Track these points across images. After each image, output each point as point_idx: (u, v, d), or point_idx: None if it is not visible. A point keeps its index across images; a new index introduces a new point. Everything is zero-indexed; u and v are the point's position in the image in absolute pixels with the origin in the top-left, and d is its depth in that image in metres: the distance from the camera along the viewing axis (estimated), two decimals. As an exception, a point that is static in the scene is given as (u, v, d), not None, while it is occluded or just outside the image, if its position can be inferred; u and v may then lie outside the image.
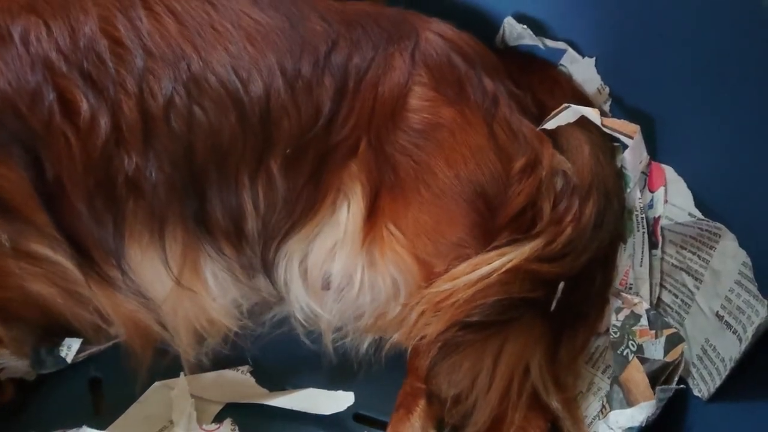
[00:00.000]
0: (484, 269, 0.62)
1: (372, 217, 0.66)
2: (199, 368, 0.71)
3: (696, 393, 0.61)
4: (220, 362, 0.71)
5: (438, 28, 0.68)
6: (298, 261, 0.68)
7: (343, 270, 0.68)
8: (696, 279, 0.64)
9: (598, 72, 0.76)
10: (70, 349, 0.68)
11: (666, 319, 0.66)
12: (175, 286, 0.64)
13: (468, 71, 0.67)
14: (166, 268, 0.64)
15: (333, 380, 0.71)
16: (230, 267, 0.66)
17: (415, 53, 0.65)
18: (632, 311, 0.67)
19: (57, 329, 0.68)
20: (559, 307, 0.64)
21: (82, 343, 0.68)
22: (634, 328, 0.66)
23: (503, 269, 0.62)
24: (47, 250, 0.62)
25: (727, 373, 0.58)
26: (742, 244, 0.59)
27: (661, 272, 0.69)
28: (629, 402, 0.62)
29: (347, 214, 0.66)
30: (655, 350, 0.64)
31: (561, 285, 0.63)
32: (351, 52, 0.64)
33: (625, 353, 0.66)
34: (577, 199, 0.66)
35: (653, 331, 0.65)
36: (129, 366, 0.68)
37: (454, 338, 0.62)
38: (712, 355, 0.60)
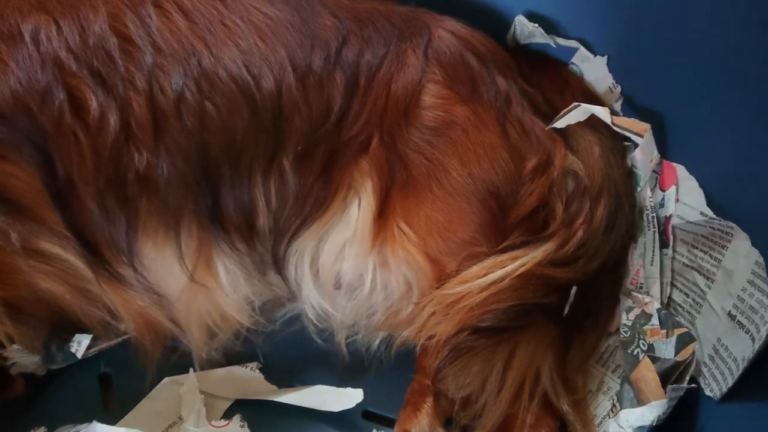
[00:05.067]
0: (497, 273, 0.62)
1: (383, 215, 0.66)
2: (210, 364, 0.71)
3: (708, 393, 0.61)
4: (231, 358, 0.72)
5: (450, 26, 0.68)
6: (309, 259, 0.68)
7: (354, 269, 0.68)
8: (708, 278, 0.64)
9: (610, 71, 0.76)
10: (81, 344, 0.68)
11: (677, 318, 0.66)
12: (189, 281, 0.64)
13: (481, 70, 0.67)
14: (181, 264, 0.64)
15: (342, 377, 0.72)
16: (243, 262, 0.66)
17: (428, 51, 0.65)
18: (643, 311, 0.67)
19: (67, 326, 0.68)
20: (571, 310, 0.64)
21: (92, 339, 0.69)
22: (644, 327, 0.66)
23: (516, 273, 0.62)
24: (57, 248, 0.62)
25: (739, 372, 0.57)
26: (754, 243, 0.59)
27: (672, 271, 0.68)
28: (640, 401, 0.62)
29: (357, 211, 0.66)
30: (666, 349, 0.64)
31: (574, 290, 0.63)
32: (362, 48, 0.64)
33: (635, 352, 0.65)
34: (588, 200, 0.66)
35: (664, 331, 0.65)
36: (139, 362, 0.68)
37: (465, 342, 0.62)
38: (724, 354, 0.60)
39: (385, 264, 0.67)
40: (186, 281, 0.65)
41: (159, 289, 0.65)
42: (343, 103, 0.63)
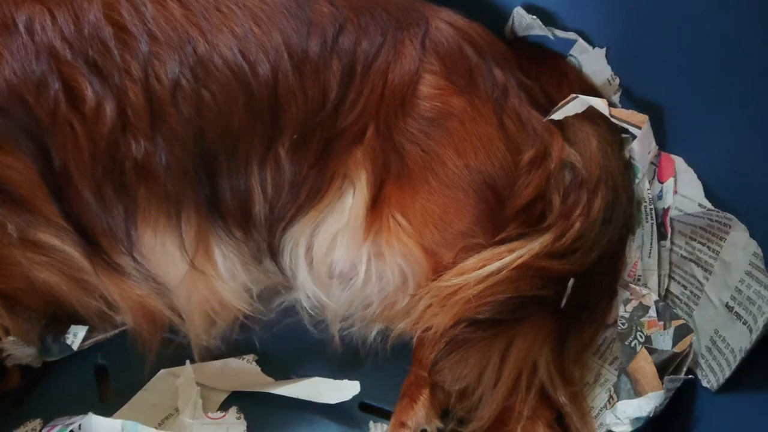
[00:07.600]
0: (494, 265, 0.62)
1: (377, 206, 0.66)
2: (209, 353, 0.71)
3: (705, 384, 0.61)
4: (229, 348, 0.71)
5: (448, 17, 0.68)
6: (304, 248, 0.68)
7: (347, 258, 0.67)
8: (705, 270, 0.64)
9: (608, 62, 0.75)
10: (76, 336, 0.68)
11: (674, 310, 0.66)
12: (189, 269, 0.64)
13: (478, 61, 0.66)
14: (182, 251, 0.63)
15: (339, 369, 0.72)
16: (240, 250, 0.66)
17: (425, 41, 0.65)
18: (640, 303, 0.67)
19: (63, 317, 0.68)
20: (568, 303, 0.63)
21: (88, 331, 0.69)
22: (642, 319, 0.66)
23: (513, 265, 0.62)
24: (54, 239, 0.62)
25: (737, 364, 0.57)
26: (752, 235, 0.59)
27: (670, 263, 0.68)
28: (637, 392, 0.62)
29: (352, 201, 0.66)
30: (664, 341, 0.64)
31: (571, 282, 0.63)
32: (359, 36, 0.63)
33: (633, 344, 0.65)
34: (585, 192, 0.66)
35: (661, 323, 0.65)
36: (135, 353, 0.68)
37: (462, 334, 0.62)
38: (722, 346, 0.60)
39: (380, 255, 0.67)
40: (186, 269, 0.64)
41: (159, 277, 0.64)
42: (339, 90, 0.63)
